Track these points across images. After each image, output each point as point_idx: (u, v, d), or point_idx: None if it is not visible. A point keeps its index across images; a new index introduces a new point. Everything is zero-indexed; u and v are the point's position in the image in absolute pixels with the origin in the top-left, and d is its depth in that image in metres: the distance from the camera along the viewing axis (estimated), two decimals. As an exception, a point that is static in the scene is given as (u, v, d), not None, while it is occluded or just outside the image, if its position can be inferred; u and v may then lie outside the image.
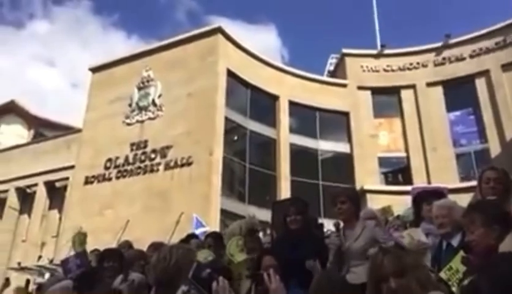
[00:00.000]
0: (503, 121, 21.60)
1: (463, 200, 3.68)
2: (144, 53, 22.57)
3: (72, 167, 21.83)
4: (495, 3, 58.08)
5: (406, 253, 2.01)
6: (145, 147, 20.18)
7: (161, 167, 19.42)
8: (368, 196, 18.70)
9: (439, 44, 24.48)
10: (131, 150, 20.38)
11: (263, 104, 22.34)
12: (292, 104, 22.71)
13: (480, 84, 23.04)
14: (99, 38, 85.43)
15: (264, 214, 11.21)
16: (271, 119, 22.29)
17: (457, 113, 23.39)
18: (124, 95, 21.53)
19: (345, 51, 25.60)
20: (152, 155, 19.82)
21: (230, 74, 20.71)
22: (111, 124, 21.20)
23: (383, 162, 23.10)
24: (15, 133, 30.44)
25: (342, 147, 23.20)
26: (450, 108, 23.35)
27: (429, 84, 23.82)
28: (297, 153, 22.04)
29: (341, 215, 3.62)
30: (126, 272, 3.91)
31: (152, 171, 19.59)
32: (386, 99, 24.50)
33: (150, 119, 20.74)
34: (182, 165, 18.92)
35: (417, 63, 24.41)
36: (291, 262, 3.34)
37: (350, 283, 3.14)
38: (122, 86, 21.66)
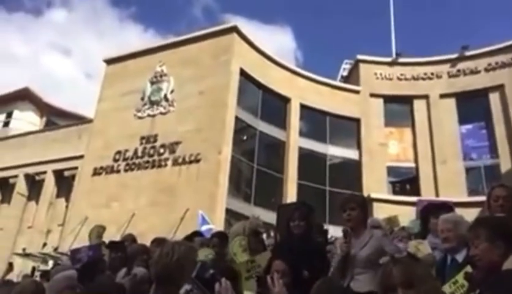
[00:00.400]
0: (515, 137, 21.36)
1: (471, 215, 3.65)
2: (159, 48, 22.70)
3: (81, 157, 22.01)
4: (514, 17, 57.42)
5: (417, 264, 1.99)
6: (155, 141, 20.28)
7: (169, 162, 19.50)
8: (374, 204, 18.59)
9: (454, 55, 24.29)
10: (141, 143, 20.50)
11: (274, 105, 22.33)
12: (303, 107, 22.67)
13: (494, 98, 22.82)
14: (115, 30, 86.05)
15: (270, 216, 11.24)
16: (281, 121, 22.28)
17: (469, 126, 23.19)
18: (137, 89, 21.66)
19: (359, 57, 25.51)
20: (161, 150, 19.91)
21: (243, 74, 20.73)
22: (122, 117, 21.34)
23: (391, 171, 22.96)
24: (27, 120, 30.75)
25: (351, 153, 23.10)
26: (462, 120, 23.15)
27: (442, 96, 23.63)
28: (305, 157, 21.99)
29: (349, 222, 3.56)
30: (129, 266, 3.94)
31: (160, 166, 19.68)
32: (398, 108, 24.36)
33: (161, 114, 20.84)
34: (191, 162, 18.98)
35: (432, 73, 24.23)
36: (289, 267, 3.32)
37: (350, 291, 3.14)
38: (135, 79, 21.79)
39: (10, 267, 19.40)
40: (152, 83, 21.73)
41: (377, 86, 24.30)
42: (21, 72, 62.91)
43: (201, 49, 21.05)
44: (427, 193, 20.87)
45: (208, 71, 20.20)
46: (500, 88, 22.73)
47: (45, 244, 21.17)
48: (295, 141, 21.93)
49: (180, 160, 19.24)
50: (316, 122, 23.16)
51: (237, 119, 20.12)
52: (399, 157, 23.43)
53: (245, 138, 21.61)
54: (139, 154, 20.34)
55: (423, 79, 24.25)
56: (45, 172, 23.95)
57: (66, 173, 23.71)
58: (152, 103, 21.26)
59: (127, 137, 20.71)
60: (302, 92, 22.67)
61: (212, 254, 4.24)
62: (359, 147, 23.10)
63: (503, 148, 21.71)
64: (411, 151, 23.34)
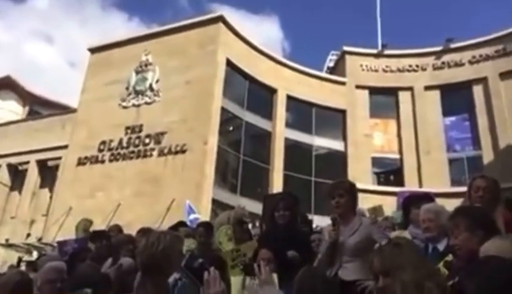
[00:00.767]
0: (498, 129, 21.73)
1: (454, 205, 3.71)
2: (144, 37, 22.44)
3: (65, 147, 21.74)
4: (497, 10, 58.15)
5: (398, 252, 2.02)
6: (140, 131, 20.13)
7: (155, 153, 19.40)
8: (359, 195, 18.67)
9: (439, 48, 24.53)
10: (126, 134, 20.33)
11: (260, 96, 22.32)
12: (289, 98, 22.71)
13: (477, 91, 23.14)
14: (99, 18, 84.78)
15: (255, 206, 11.27)
16: (268, 112, 22.29)
17: (453, 118, 23.51)
18: (122, 78, 21.41)
19: (345, 48, 25.59)
20: (147, 140, 19.79)
21: (229, 64, 20.65)
22: (107, 106, 21.10)
23: (376, 162, 23.21)
24: (9, 109, 30.20)
25: (336, 144, 23.27)
26: (446, 112, 23.46)
27: (427, 88, 23.88)
28: (291, 147, 22.08)
29: (338, 208, 3.49)
30: (115, 256, 3.93)
31: (145, 156, 19.56)
32: (383, 100, 24.56)
33: (146, 103, 20.67)
34: (176, 152, 18.91)
35: (417, 66, 24.45)
36: (275, 256, 3.35)
37: (337, 279, 3.18)
38: (120, 69, 21.54)
39: (-7, 258, 19.18)
40: (137, 73, 21.51)
41: (363, 78, 24.44)
42: (2, 60, 61.75)
43: (187, 39, 20.87)
44: (411, 184, 21.18)
45: (194, 61, 20.07)
46: (483, 81, 23.05)
47: (28, 235, 20.94)
48: (281, 132, 21.99)
49: (166, 151, 19.15)
50: (303, 113, 23.23)
51: (223, 109, 20.06)
52: (383, 148, 23.67)
53: (231, 128, 21.59)
54: (124, 144, 20.18)
55: (408, 71, 24.46)
56: (28, 162, 23.61)
57: (50, 163, 23.42)
58: (137, 93, 21.05)
59: (111, 127, 20.51)
60: (288, 83, 22.69)
61: (195, 244, 4.26)
62: (344, 138, 23.27)
63: (486, 140, 22.08)
64: (396, 142, 23.60)
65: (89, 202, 18.59)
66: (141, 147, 19.79)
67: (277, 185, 20.28)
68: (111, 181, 19.31)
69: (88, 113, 21.54)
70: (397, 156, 23.30)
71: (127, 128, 20.38)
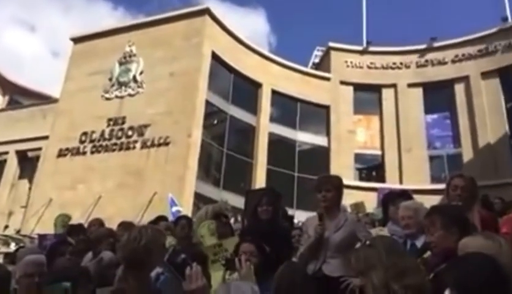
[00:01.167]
0: (478, 128, 22.11)
1: (433, 202, 3.79)
2: (129, 28, 22.18)
3: (46, 138, 21.40)
4: (481, 10, 59.00)
5: (371, 252, 2.08)
6: (123, 123, 19.92)
7: (137, 145, 19.23)
8: (341, 190, 18.93)
9: (423, 46, 24.80)
10: (108, 125, 20.10)
11: (245, 90, 22.29)
12: (274, 93, 22.73)
13: (459, 89, 23.49)
14: (83, 6, 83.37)
15: (238, 201, 11.29)
16: (252, 106, 22.28)
17: (434, 116, 23.85)
18: (105, 69, 21.14)
19: (331, 44, 25.69)
20: (129, 133, 19.60)
21: (214, 57, 20.56)
22: (89, 97, 20.82)
23: (358, 158, 23.43)
24: (-11, 98, 29.59)
25: (319, 140, 23.40)
26: (428, 110, 23.77)
27: (410, 85, 24.15)
28: (275, 142, 22.13)
29: (324, 202, 3.52)
30: (95, 250, 3.90)
31: (128, 148, 19.38)
32: (367, 96, 24.77)
33: (130, 95, 20.46)
34: (159, 145, 18.78)
35: (401, 63, 24.70)
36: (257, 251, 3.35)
37: (311, 275, 3.20)
38: (103, 59, 21.25)
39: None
40: (121, 64, 21.26)
41: (347, 74, 24.59)
42: (-19, 48, 60.15)
43: (173, 31, 20.70)
44: (392, 180, 21.46)
45: (179, 53, 19.92)
46: (465, 79, 23.40)
47: (6, 226, 20.62)
48: (265, 127, 22.02)
49: (149, 143, 19.01)
50: (287, 108, 23.29)
51: (207, 102, 19.99)
52: (366, 144, 23.91)
53: (215, 122, 21.53)
54: (107, 136, 19.95)
55: (392, 68, 24.69)
56: (7, 152, 23.19)
57: (30, 154, 23.04)
58: (121, 84, 20.82)
59: (93, 118, 20.25)
60: (273, 77, 22.70)
61: (175, 240, 4.26)
62: (328, 133, 23.41)
63: (466, 138, 22.45)
64: (378, 139, 23.85)
65: (69, 194, 18.36)
66: (123, 140, 19.60)
67: (260, 179, 20.33)
68: (93, 173, 19.09)
69: (70, 104, 21.22)
70: (379, 152, 23.56)
71: (110, 120, 20.15)
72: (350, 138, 23.44)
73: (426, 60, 24.54)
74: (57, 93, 23.63)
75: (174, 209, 11.62)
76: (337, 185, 3.66)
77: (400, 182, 21.31)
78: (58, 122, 21.35)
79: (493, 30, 23.50)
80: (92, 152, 19.94)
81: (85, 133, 20.26)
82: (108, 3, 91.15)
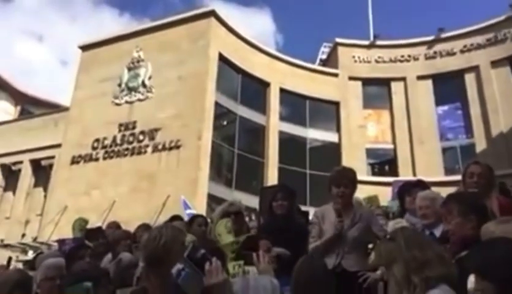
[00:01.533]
0: (490, 117, 21.87)
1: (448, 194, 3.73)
2: (135, 33, 22.30)
3: (59, 146, 21.63)
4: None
5: (389, 245, 2.08)
6: (133, 128, 20.06)
7: (149, 149, 19.35)
8: (354, 186, 18.84)
9: (431, 37, 24.59)
10: (119, 131, 20.25)
11: (253, 90, 22.30)
12: (283, 91, 22.70)
13: (469, 79, 23.25)
14: (89, 14, 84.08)
15: (251, 200, 11.31)
16: (261, 106, 22.28)
17: (445, 107, 23.63)
18: (114, 75, 21.30)
19: (338, 40, 25.58)
20: (141, 137, 19.73)
21: (222, 58, 20.59)
22: (100, 104, 21.00)
23: (370, 153, 23.30)
24: (1, 109, 29.98)
25: (330, 136, 23.32)
26: (439, 102, 23.56)
27: (419, 78, 23.96)
28: (286, 141, 22.10)
29: (342, 198, 3.50)
30: (114, 251, 3.94)
31: (140, 153, 19.51)
32: (376, 90, 24.63)
33: (139, 100, 20.59)
34: (171, 148, 18.87)
35: (409, 56, 24.51)
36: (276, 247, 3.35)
37: (329, 269, 3.20)
38: (111, 66, 21.42)
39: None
40: (129, 69, 21.40)
41: (356, 69, 24.48)
42: (-8, 60, 60.94)
43: (179, 34, 20.78)
44: (405, 174, 21.27)
45: (186, 57, 20.00)
46: (475, 69, 23.15)
47: (23, 235, 20.87)
48: (275, 125, 22.00)
49: (160, 147, 19.11)
50: (296, 106, 23.25)
51: (216, 104, 20.03)
52: (377, 138, 23.76)
53: (225, 123, 21.57)
54: (118, 141, 20.10)
55: (400, 61, 24.51)
56: (21, 162, 23.48)
57: (43, 162, 23.30)
58: (130, 90, 20.96)
59: (105, 124, 20.42)
60: (281, 76, 22.67)
61: (193, 238, 4.27)
62: (338, 130, 23.31)
63: (478, 128, 22.21)
64: (389, 133, 23.69)
65: (84, 200, 18.53)
66: (135, 144, 19.73)
67: (272, 178, 20.31)
68: (106, 179, 19.25)
69: (81, 111, 21.43)
70: (391, 146, 23.40)
71: (121, 125, 20.30)
72: (361, 133, 23.33)
73: (435, 52, 24.32)
74: (67, 101, 23.91)
75: (188, 211, 11.64)
76: (354, 180, 3.65)
77: (414, 175, 21.08)
78: (70, 129, 21.57)
79: (502, 18, 23.20)
80: (104, 158, 20.11)
81: (97, 140, 20.44)
82: (113, 9, 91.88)
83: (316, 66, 25.54)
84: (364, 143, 23.22)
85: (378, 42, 25.18)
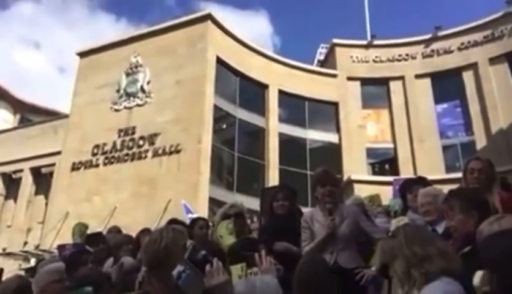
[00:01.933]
0: (489, 114, 21.87)
1: (449, 191, 3.71)
2: (133, 39, 22.32)
3: (59, 153, 21.62)
4: (484, -4, 58.38)
5: (391, 242, 2.09)
6: (133, 133, 20.06)
7: (149, 154, 19.35)
8: (355, 186, 18.82)
9: (428, 36, 24.62)
10: (119, 136, 20.25)
11: (252, 92, 22.32)
12: (281, 93, 22.72)
13: (467, 77, 23.26)
14: (86, 20, 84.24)
15: (252, 203, 11.26)
16: (260, 108, 22.29)
17: (445, 105, 23.63)
18: (112, 81, 21.31)
19: (335, 41, 25.61)
20: (140, 142, 19.72)
21: (219, 61, 20.61)
22: (99, 110, 21.00)
23: (370, 152, 23.30)
24: (0, 118, 29.99)
25: (330, 137, 23.33)
26: (437, 100, 23.57)
27: (417, 76, 23.98)
28: (286, 142, 22.11)
29: (330, 197, 3.56)
30: (115, 256, 3.92)
31: (140, 158, 19.50)
32: (375, 90, 24.65)
33: (138, 105, 20.60)
34: (171, 153, 18.87)
35: (407, 55, 24.54)
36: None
37: (337, 265, 3.22)
38: (110, 72, 21.43)
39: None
40: (128, 75, 21.41)
41: (354, 69, 24.50)
42: (-10, 69, 61.09)
43: (176, 39, 20.80)
44: (406, 172, 21.22)
45: (184, 61, 20.02)
46: (473, 66, 23.17)
47: (25, 243, 20.85)
48: (275, 127, 22.01)
49: (160, 151, 19.11)
50: (295, 107, 23.26)
51: (215, 107, 20.04)
52: (377, 138, 23.77)
53: (224, 126, 21.57)
54: (118, 147, 20.10)
55: (398, 60, 24.54)
56: (21, 170, 23.47)
57: (43, 170, 23.29)
58: (129, 95, 20.97)
59: (104, 130, 20.42)
60: (279, 78, 22.69)
61: (192, 243, 4.27)
62: (338, 130, 23.32)
63: (478, 125, 22.22)
64: (389, 132, 23.69)
65: (85, 206, 18.52)
66: (135, 150, 19.73)
67: (273, 180, 20.28)
68: (107, 185, 19.24)
69: (80, 118, 21.43)
70: (391, 145, 23.40)
71: (120, 130, 20.30)
72: (361, 133, 23.33)
73: (432, 50, 24.35)
74: (66, 108, 23.92)
75: (190, 215, 11.61)
76: (338, 180, 3.88)
77: (414, 173, 21.02)
78: (70, 136, 21.57)
79: (499, 14, 23.23)
80: (104, 164, 20.10)
81: (97, 146, 20.44)
82: (110, 15, 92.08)
83: (314, 67, 25.57)
84: (364, 142, 23.23)
85: (376, 42, 25.22)
